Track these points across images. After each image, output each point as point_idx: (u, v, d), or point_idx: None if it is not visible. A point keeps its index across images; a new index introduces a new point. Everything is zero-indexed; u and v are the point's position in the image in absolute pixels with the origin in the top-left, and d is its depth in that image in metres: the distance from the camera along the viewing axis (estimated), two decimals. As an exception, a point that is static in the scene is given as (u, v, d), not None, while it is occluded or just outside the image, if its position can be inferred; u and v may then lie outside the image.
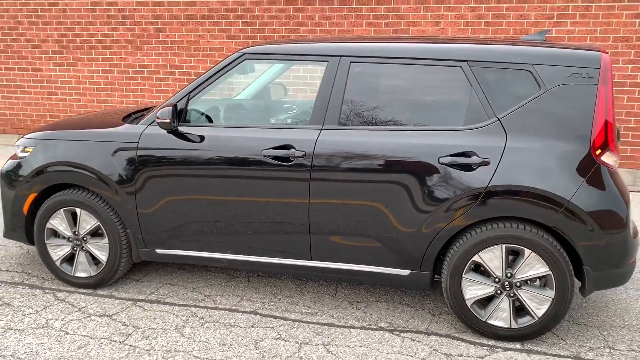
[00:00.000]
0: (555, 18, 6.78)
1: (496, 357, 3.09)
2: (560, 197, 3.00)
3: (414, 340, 3.25)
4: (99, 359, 3.00)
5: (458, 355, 3.10)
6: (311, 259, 3.45)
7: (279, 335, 3.27)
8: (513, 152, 3.09)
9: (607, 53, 3.14)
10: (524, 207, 3.05)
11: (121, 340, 3.18)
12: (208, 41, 7.97)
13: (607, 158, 3.06)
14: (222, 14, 7.86)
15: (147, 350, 3.09)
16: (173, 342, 3.18)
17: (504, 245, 3.12)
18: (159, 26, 8.13)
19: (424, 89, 3.35)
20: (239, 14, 7.80)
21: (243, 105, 4.45)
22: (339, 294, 3.82)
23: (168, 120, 3.36)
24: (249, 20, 7.79)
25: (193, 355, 3.06)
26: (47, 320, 3.40)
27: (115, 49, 8.38)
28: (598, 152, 3.04)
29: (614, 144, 3.07)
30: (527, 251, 3.09)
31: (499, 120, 3.13)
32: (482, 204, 3.10)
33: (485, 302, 3.28)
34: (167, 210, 3.56)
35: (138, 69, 8.36)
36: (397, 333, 3.33)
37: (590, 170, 3.03)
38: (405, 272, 3.32)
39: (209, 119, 3.76)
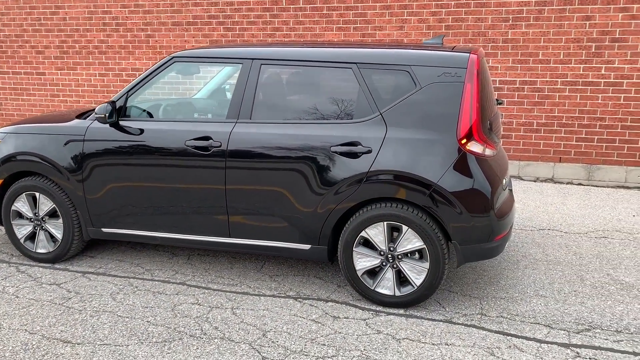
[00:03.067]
0: (510, 21, 7.16)
1: (377, 319, 3.56)
2: (429, 180, 3.46)
3: (312, 306, 3.73)
4: (37, 316, 3.58)
5: (344, 317, 3.58)
6: (230, 237, 3.96)
7: (196, 301, 3.80)
8: (391, 141, 3.55)
9: (476, 54, 3.57)
10: (398, 189, 3.51)
11: (61, 303, 3.75)
12: (193, 46, 8.56)
13: (474, 147, 3.50)
14: (205, 20, 8.44)
15: (79, 310, 3.66)
16: (104, 305, 3.73)
17: (385, 223, 3.58)
18: (148, 32, 8.76)
19: (321, 87, 3.83)
20: (220, 20, 8.36)
21: (178, 103, 5.01)
22: (264, 269, 4.33)
23: (104, 115, 3.93)
24: (229, 26, 8.35)
25: (117, 314, 3.61)
26: (4, 287, 4.00)
27: (110, 54, 9.05)
28: (464, 141, 3.48)
29: (479, 134, 3.51)
30: (404, 227, 3.55)
31: (381, 114, 3.60)
32: (365, 186, 3.57)
33: (374, 272, 3.75)
34: (110, 195, 4.12)
35: (131, 72, 9.01)
36: (301, 300, 3.82)
37: (456, 157, 3.48)
38: (307, 246, 3.81)
39: (150, 115, 4.32)
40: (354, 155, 3.59)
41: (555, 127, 7.11)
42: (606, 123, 6.91)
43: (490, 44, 7.17)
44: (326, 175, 3.64)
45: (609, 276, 4.19)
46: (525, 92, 7.13)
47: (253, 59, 3.88)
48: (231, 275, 4.21)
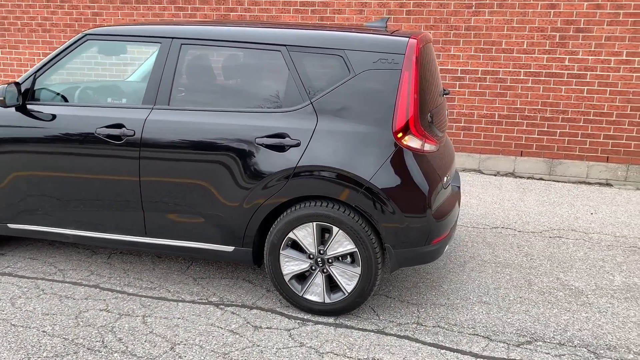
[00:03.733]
0: (473, 7, 6.84)
1: (303, 330, 3.23)
2: (360, 177, 3.12)
3: (233, 314, 3.39)
4: None
5: (267, 327, 3.24)
6: (146, 236, 3.59)
7: (105, 307, 3.42)
8: (322, 134, 3.20)
9: (416, 39, 3.23)
10: (328, 187, 3.17)
11: (-50, 308, 3.34)
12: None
13: (411, 142, 3.17)
14: (156, -1, 7.95)
15: (-31, 317, 3.25)
16: (-1, 311, 3.34)
17: (315, 223, 3.25)
18: (95, 10, 8.24)
19: (248, 72, 3.46)
20: (172, -1, 7.89)
21: (100, 86, 4.58)
22: (190, 271, 3.96)
23: (2, 99, 3.49)
24: (181, 5, 7.88)
25: (10, 323, 3.21)
26: None
27: (55, 32, 8.50)
28: (400, 135, 3.15)
29: (418, 128, 3.18)
30: (335, 229, 3.22)
31: (311, 103, 3.25)
32: (293, 183, 3.22)
33: (303, 277, 3.41)
34: (15, 186, 3.70)
35: (77, 52, 8.47)
36: (223, 307, 3.47)
37: (391, 152, 3.14)
38: (230, 248, 3.45)
39: (65, 99, 3.89)
40: (281, 149, 3.24)
41: (517, 120, 6.85)
42: (569, 116, 6.67)
43: (452, 31, 6.85)
44: (250, 170, 3.28)
45: (559, 280, 3.93)
46: (487, 83, 6.84)
47: (172, 38, 3.48)
48: (151, 277, 3.84)
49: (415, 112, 3.16)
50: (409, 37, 3.23)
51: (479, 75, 6.85)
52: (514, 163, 6.95)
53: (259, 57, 3.40)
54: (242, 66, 3.46)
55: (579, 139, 6.71)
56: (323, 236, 3.30)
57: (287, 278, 3.38)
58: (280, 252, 3.35)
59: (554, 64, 6.63)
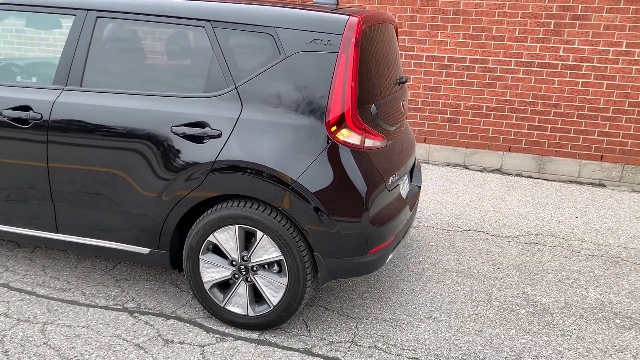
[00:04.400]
0: (463, -10, 6.35)
1: (219, 347, 2.85)
2: (286, 175, 2.71)
3: (147, 324, 3.01)
4: None
5: (179, 342, 2.86)
6: (57, 232, 3.21)
7: (6, 311, 3.06)
8: (246, 124, 2.79)
9: (358, 17, 2.80)
10: (250, 185, 2.77)
11: None
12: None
13: (347, 137, 2.75)
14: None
15: None
16: None
17: (237, 226, 2.85)
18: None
19: (169, 50, 3.04)
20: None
21: (6, 63, 4.17)
22: (115, 271, 3.59)
23: None
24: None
25: None
26: None
27: None
28: (333, 128, 2.73)
29: (356, 121, 2.76)
30: (259, 233, 2.82)
31: (236, 88, 2.83)
32: (211, 180, 2.82)
33: (227, 285, 3.03)
34: None
35: None
36: (137, 315, 3.09)
37: (323, 148, 2.73)
38: (145, 250, 3.07)
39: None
40: (199, 140, 2.83)
41: (506, 113, 6.38)
42: (561, 110, 6.19)
43: (439, 15, 6.37)
44: (165, 163, 2.88)
45: (524, 295, 3.51)
46: (475, 72, 6.37)
47: (87, 10, 3.07)
48: (70, 277, 3.47)
49: (353, 102, 2.73)
50: (350, 16, 2.79)
51: (467, 64, 6.38)
52: (501, 159, 6.50)
53: (181, 34, 2.98)
54: (162, 44, 3.04)
55: (571, 135, 6.24)
56: (249, 240, 2.91)
57: (207, 286, 3.00)
58: (200, 257, 2.96)
59: (547, 53, 6.15)
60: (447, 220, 4.74)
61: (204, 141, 2.82)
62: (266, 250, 2.84)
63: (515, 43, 6.19)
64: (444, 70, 6.45)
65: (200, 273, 2.98)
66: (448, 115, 6.56)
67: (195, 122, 2.84)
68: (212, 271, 2.97)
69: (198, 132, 2.82)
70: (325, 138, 2.73)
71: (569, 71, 6.08)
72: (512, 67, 6.25)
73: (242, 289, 2.95)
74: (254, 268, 2.90)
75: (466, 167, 6.56)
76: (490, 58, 6.30)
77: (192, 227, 2.95)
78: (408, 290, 3.50)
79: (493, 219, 4.82)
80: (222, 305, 2.99)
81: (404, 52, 6.52)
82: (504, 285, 3.63)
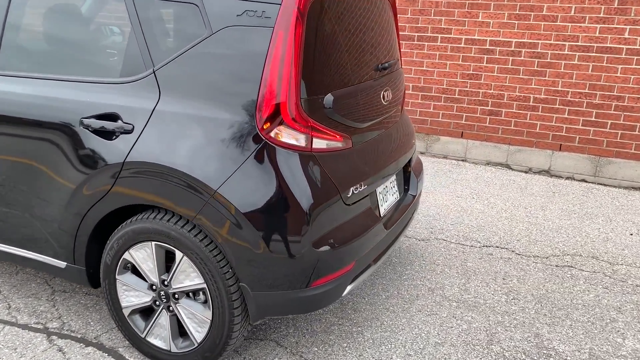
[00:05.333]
0: (510, -38, 5.48)
1: (129, 388, 2.33)
2: (204, 184, 2.14)
3: (60, 351, 2.55)
4: None
5: (84, 379, 2.37)
6: (-22, 237, 2.80)
7: None
8: (162, 117, 2.24)
9: (305, -17, 2.16)
10: (163, 194, 2.21)
11: None
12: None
13: (285, 136, 2.13)
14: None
15: None
16: None
17: (154, 243, 2.31)
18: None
19: (83, 25, 2.52)
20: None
21: None
22: (56, 280, 3.18)
23: None
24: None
25: None
26: None
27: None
28: (266, 125, 2.12)
29: (296, 115, 2.13)
30: (178, 254, 2.28)
31: (154, 72, 2.28)
32: (120, 185, 2.29)
33: (151, 312, 2.51)
34: None
35: None
36: (54, 338, 2.64)
37: (253, 150, 2.13)
38: (62, 264, 2.60)
39: None
40: (109, 135, 2.31)
41: (557, 106, 5.48)
42: (624, 104, 5.22)
43: (481, -8, 5.55)
44: (73, 163, 2.38)
45: (537, 339, 2.77)
46: (521, 58, 5.51)
47: (-1, -20, 2.60)
48: (4, 285, 3.08)
49: (293, 92, 2.11)
50: (293, -20, 2.15)
51: (512, 49, 5.52)
52: (550, 159, 5.61)
53: (98, 5, 2.45)
54: (79, 19, 2.52)
55: (636, 132, 5.26)
56: (172, 261, 2.36)
57: (126, 312, 2.49)
58: (117, 277, 2.45)
59: (609, 36, 5.19)
60: (466, 232, 4.00)
61: (115, 137, 2.29)
62: (187, 275, 2.29)
63: (570, 24, 5.27)
64: (485, 56, 5.62)
65: (118, 296, 2.47)
66: (489, 108, 5.73)
67: (106, 114, 2.31)
68: (130, 295, 2.46)
69: (108, 126, 2.30)
70: (257, 137, 2.12)
71: (635, 57, 5.11)
72: (566, 52, 5.33)
73: (164, 319, 2.42)
74: (176, 295, 2.36)
75: (509, 167, 5.72)
76: (539, 42, 5.41)
77: (108, 241, 2.44)
78: (389, 325, 2.84)
79: (524, 233, 4.04)
80: (142, 335, 2.47)
81: (439, 35, 5.74)
82: (513, 323, 2.90)
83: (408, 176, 3.10)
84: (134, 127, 2.26)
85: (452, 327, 2.84)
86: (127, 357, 2.52)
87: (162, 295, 2.38)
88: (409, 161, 3.10)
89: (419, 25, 5.80)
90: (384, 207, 2.71)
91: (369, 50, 2.59)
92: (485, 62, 5.64)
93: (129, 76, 2.32)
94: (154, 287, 2.39)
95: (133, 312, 2.49)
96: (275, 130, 2.12)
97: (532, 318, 2.95)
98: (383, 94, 2.69)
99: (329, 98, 2.26)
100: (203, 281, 2.25)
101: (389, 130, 2.81)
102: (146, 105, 2.26)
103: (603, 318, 2.98)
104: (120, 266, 2.42)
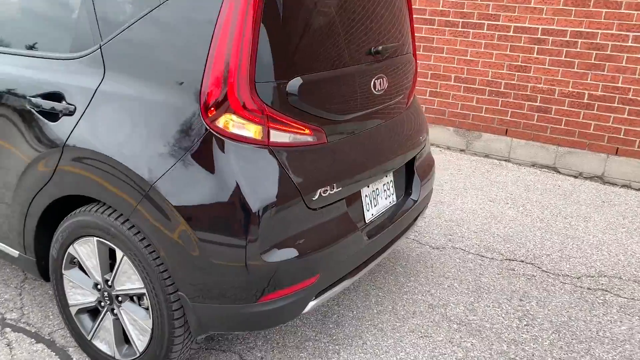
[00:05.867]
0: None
1: (63, 396, 2.12)
2: (141, 178, 1.87)
3: (7, 345, 2.37)
4: None
5: (20, 381, 2.18)
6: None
7: None
8: (104, 99, 1.99)
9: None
10: (99, 186, 1.97)
11: None
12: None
13: (233, 126, 1.83)
14: None
15: None
16: None
17: (95, 239, 2.08)
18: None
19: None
20: None
21: None
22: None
23: None
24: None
25: None
26: None
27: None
28: (211, 113, 1.82)
29: (247, 102, 1.82)
30: (119, 252, 2.03)
31: (100, 48, 2.02)
32: (60, 173, 2.07)
33: (95, 314, 2.28)
34: None
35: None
36: (9, 330, 2.48)
37: (196, 142, 1.84)
38: (15, 252, 2.42)
39: None
40: (53, 116, 2.08)
41: (615, 104, 4.88)
42: (694, 105, 4.57)
43: (534, -25, 5.00)
44: (22, 143, 2.19)
45: (544, 379, 2.35)
46: (577, 49, 4.93)
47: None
48: (-21, 268, 2.95)
49: (245, 73, 1.80)
50: (252, -59, 1.83)
51: (567, 39, 4.95)
52: (604, 163, 5.02)
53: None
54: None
55: None
56: (111, 259, 2.13)
57: (73, 311, 2.28)
58: (63, 272, 2.24)
59: (682, 26, 4.54)
60: (490, 242, 3.57)
61: (58, 119, 2.06)
62: (129, 277, 2.04)
63: (636, 12, 4.65)
64: (536, 46, 5.07)
65: (66, 293, 2.26)
66: (537, 104, 5.19)
67: (51, 93, 2.09)
68: (77, 293, 2.24)
69: (51, 107, 2.07)
70: (200, 126, 1.83)
71: None
72: (629, 43, 4.72)
73: (108, 323, 2.19)
74: (119, 298, 2.11)
75: (556, 171, 5.17)
76: (599, 31, 4.81)
77: (56, 232, 2.22)
78: (371, 345, 2.50)
79: (557, 247, 3.56)
80: (88, 337, 2.26)
81: (486, 22, 5.23)
82: (520, 354, 2.49)
83: (412, 178, 2.72)
84: (75, 108, 2.02)
85: (445, 354, 2.47)
86: (74, 357, 2.31)
87: (106, 297, 2.15)
88: (413, 160, 2.72)
89: (464, 10, 5.31)
90: (371, 213, 2.36)
91: (358, 30, 2.23)
92: (535, 53, 5.09)
93: (77, 52, 2.08)
94: (98, 286, 2.17)
95: (80, 311, 2.28)
96: (221, 118, 1.81)
97: (545, 350, 2.52)
98: (374, 82, 2.32)
99: (294, 83, 1.93)
100: (143, 285, 1.99)
101: (385, 123, 2.44)
102: (90, 85, 2.01)
103: (633, 357, 2.51)
104: (66, 260, 2.21)
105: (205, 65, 1.81)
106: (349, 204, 2.21)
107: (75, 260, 2.22)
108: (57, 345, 2.40)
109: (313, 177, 1.99)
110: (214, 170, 1.81)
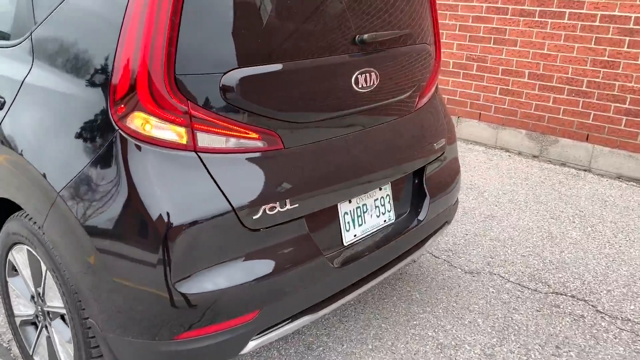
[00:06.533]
0: None
1: (-10, 417, 1.94)
2: (50, 184, 1.62)
3: (-38, 351, 2.25)
4: None
5: (-44, 393, 2.03)
6: None
7: None
8: (28, 92, 1.77)
9: None
10: (18, 190, 1.75)
11: None
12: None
13: (146, 126, 1.52)
14: None
15: None
16: None
17: (26, 247, 1.87)
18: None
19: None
20: None
21: None
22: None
23: None
24: None
25: None
26: None
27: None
28: (120, 110, 1.53)
29: (159, 98, 1.51)
30: (42, 265, 1.81)
31: (30, 35, 1.80)
32: (-9, 172, 1.88)
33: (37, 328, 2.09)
34: None
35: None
36: (-30, 334, 2.35)
37: (104, 144, 1.55)
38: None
39: None
40: (-11, 110, 1.90)
41: None
42: None
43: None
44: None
45: None
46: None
47: None
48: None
49: (159, 61, 1.48)
50: None
51: (666, 29, 4.18)
52: None
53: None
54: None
55: None
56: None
57: (17, 321, 2.09)
58: (7, 279, 2.06)
59: None
60: (537, 270, 3.01)
61: (-9, 113, 1.87)
62: (55, 293, 1.81)
63: None
64: (627, 38, 4.33)
65: (11, 302, 2.09)
66: (626, 106, 4.44)
67: (-12, 84, 1.90)
68: (20, 302, 2.06)
69: (-13, 99, 1.88)
70: (109, 126, 1.54)
71: None
72: None
73: (44, 340, 1.98)
74: (50, 315, 1.89)
75: (648, 185, 4.40)
76: None
77: (-1, 236, 2.05)
78: (351, 390, 2.10)
79: (623, 282, 2.93)
80: (30, 352, 2.06)
81: (567, 10, 4.55)
82: None
83: (421, 193, 2.28)
84: (4, 101, 1.81)
85: (438, 411, 2.02)
86: (20, 373, 2.14)
87: (40, 311, 1.93)
88: (422, 172, 2.28)
89: (541, -3, 4.66)
90: (353, 233, 1.97)
91: (334, 12, 1.84)
92: (626, 47, 4.35)
93: (15, 39, 1.87)
94: (34, 299, 1.96)
95: (24, 322, 2.09)
96: (131, 117, 1.51)
97: (570, 420, 1.99)
98: (357, 78, 1.91)
99: (232, 76, 1.59)
100: (63, 305, 1.74)
101: (377, 127, 2.03)
102: (18, 76, 1.80)
103: None
104: (8, 267, 2.02)
105: (115, 54, 1.51)
106: (315, 223, 1.83)
107: (14, 267, 2.03)
108: (12, 355, 2.24)
109: (256, 191, 1.63)
110: (121, 179, 1.52)
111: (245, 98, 1.61)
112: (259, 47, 1.62)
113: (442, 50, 5.33)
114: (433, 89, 2.40)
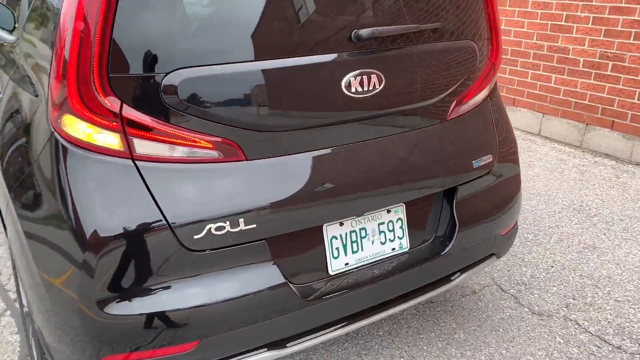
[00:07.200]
0: None
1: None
2: (5, 188, 1.59)
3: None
4: None
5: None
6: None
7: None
8: (8, 86, 1.75)
9: None
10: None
11: None
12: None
13: (78, 130, 1.41)
14: None
15: None
16: None
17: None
18: None
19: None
20: None
21: None
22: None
23: None
24: None
25: None
26: None
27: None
28: (56, 112, 1.43)
29: (87, 99, 1.38)
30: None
31: (23, 30, 1.80)
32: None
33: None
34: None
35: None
36: None
37: (42, 147, 1.48)
38: None
39: None
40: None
41: None
42: None
43: None
44: None
45: None
46: None
47: None
48: None
49: (89, 61, 1.35)
50: None
51: None
52: None
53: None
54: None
55: None
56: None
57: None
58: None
59: None
60: (629, 323, 2.44)
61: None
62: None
63: None
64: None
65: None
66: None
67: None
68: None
69: None
70: (48, 129, 1.46)
71: None
72: None
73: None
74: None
75: None
76: None
77: None
78: None
79: None
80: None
81: None
82: None
83: (449, 219, 1.92)
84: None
85: None
86: (27, 362, 2.18)
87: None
88: (453, 194, 1.91)
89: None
90: (344, 261, 1.70)
91: (330, 6, 1.56)
92: None
93: (15, 35, 1.88)
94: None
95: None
96: (63, 120, 1.40)
97: None
98: (349, 80, 1.62)
99: (176, 78, 1.41)
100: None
101: (383, 139, 1.72)
102: (4, 74, 1.79)
103: None
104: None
105: (52, 53, 1.41)
106: (285, 247, 1.59)
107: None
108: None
109: (200, 207, 1.44)
110: (53, 185, 1.42)
111: (194, 102, 1.42)
112: (211, 43, 1.42)
113: (571, 46, 4.63)
114: (482, 95, 2.00)
